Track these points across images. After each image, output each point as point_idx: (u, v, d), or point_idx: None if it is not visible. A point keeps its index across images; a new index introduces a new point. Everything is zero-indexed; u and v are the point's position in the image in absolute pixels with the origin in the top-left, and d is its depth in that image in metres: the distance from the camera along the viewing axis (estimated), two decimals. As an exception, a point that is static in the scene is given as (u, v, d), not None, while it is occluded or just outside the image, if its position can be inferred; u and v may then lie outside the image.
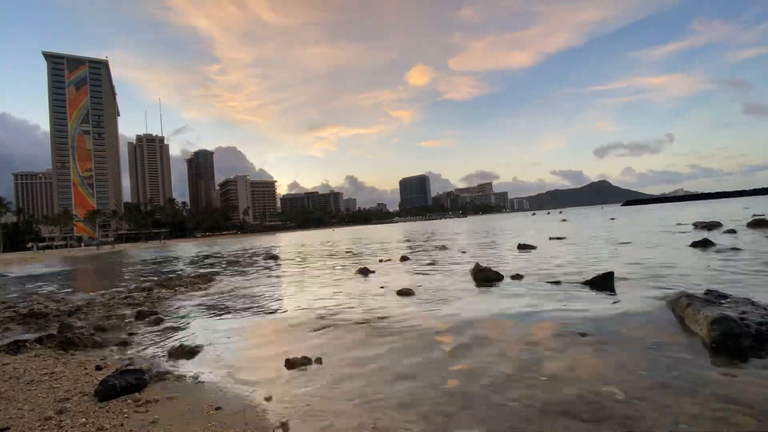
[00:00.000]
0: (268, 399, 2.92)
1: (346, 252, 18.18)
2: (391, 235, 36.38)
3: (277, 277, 10.41)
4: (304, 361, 3.54)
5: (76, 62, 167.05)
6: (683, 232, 14.36)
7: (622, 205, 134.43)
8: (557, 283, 6.33)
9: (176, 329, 5.45)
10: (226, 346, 4.48)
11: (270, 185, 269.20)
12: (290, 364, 3.53)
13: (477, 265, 7.73)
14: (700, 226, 16.08)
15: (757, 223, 14.35)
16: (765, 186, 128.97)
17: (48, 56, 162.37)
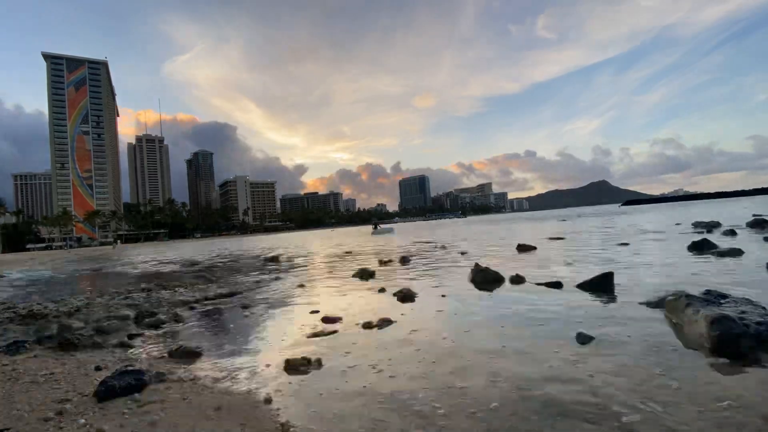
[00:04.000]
0: (268, 401, 2.92)
1: (346, 253, 18.17)
2: (391, 236, 36.40)
3: (276, 279, 10.40)
4: (303, 362, 3.54)
5: (75, 63, 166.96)
6: (682, 233, 14.37)
7: (622, 205, 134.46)
8: (556, 284, 6.33)
9: (176, 330, 5.45)
10: (226, 348, 4.48)
11: (270, 186, 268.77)
12: (290, 365, 3.53)
13: (477, 265, 7.73)
14: (699, 226, 16.09)
15: (757, 223, 14.36)
16: (765, 186, 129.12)
17: (47, 57, 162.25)
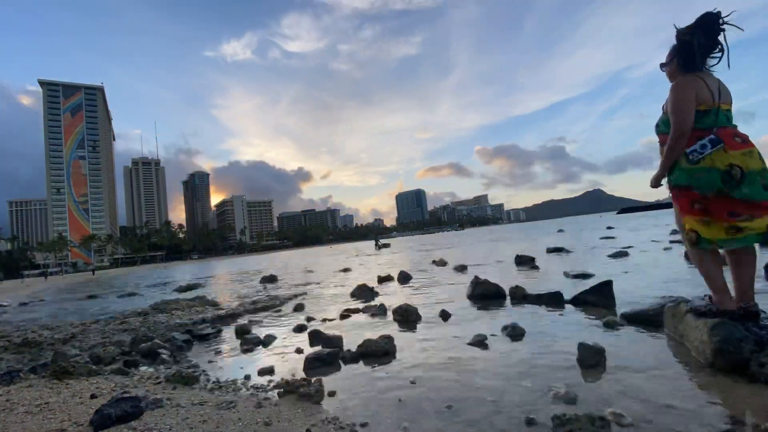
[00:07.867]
0: (267, 424, 2.87)
1: (344, 270, 18.10)
2: (390, 251, 36.30)
3: (274, 299, 10.32)
4: (304, 385, 3.49)
5: (71, 89, 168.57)
6: (678, 240, 14.43)
7: (618, 213, 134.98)
8: (556, 295, 6.31)
9: (173, 355, 5.36)
10: (223, 371, 4.42)
11: (267, 204, 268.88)
12: (289, 388, 3.48)
13: (476, 278, 7.70)
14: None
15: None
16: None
17: (44, 84, 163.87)
